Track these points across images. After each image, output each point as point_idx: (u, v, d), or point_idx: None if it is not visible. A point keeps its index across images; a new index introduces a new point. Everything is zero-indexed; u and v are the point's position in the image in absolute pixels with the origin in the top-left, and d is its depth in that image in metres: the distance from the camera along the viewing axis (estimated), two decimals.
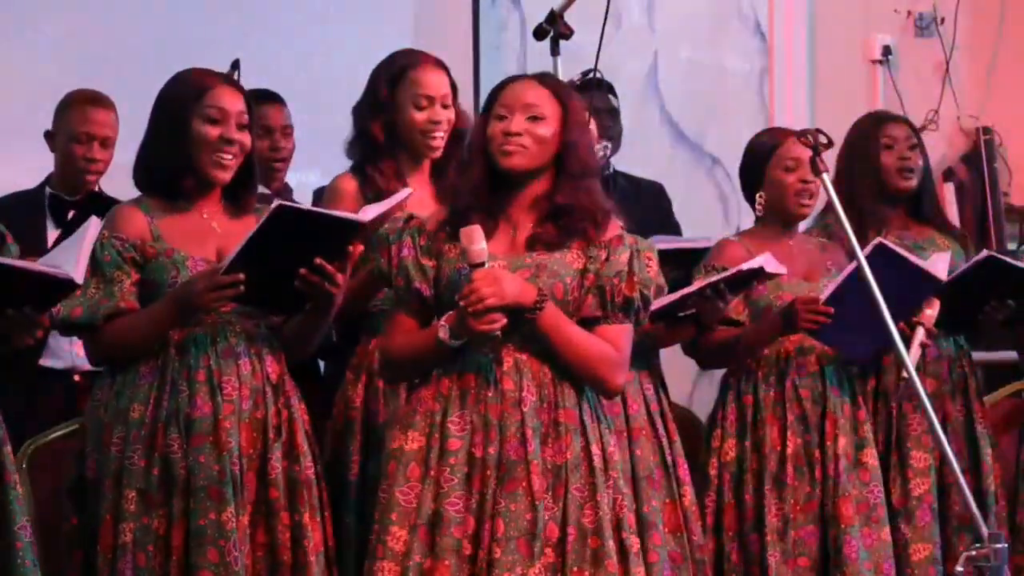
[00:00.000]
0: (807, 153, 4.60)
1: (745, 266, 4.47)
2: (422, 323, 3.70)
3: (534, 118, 3.67)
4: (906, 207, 5.11)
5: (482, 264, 3.57)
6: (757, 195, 4.78)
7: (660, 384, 4.59)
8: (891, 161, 5.05)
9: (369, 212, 3.94)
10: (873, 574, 4.65)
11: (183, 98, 3.97)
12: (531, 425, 3.62)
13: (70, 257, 3.60)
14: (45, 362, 4.92)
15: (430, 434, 3.61)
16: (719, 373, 6.02)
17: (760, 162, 4.77)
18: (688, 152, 7.03)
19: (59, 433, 4.50)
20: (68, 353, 4.91)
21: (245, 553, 3.88)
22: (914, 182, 5.07)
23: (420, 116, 4.41)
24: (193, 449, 3.87)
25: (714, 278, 4.44)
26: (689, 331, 4.58)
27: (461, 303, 3.56)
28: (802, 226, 4.93)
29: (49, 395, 4.83)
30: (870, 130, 5.10)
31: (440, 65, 4.51)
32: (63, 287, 3.61)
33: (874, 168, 5.04)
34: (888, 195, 5.06)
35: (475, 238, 3.58)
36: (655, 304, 4.38)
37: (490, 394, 3.61)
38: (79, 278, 3.59)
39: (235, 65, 4.33)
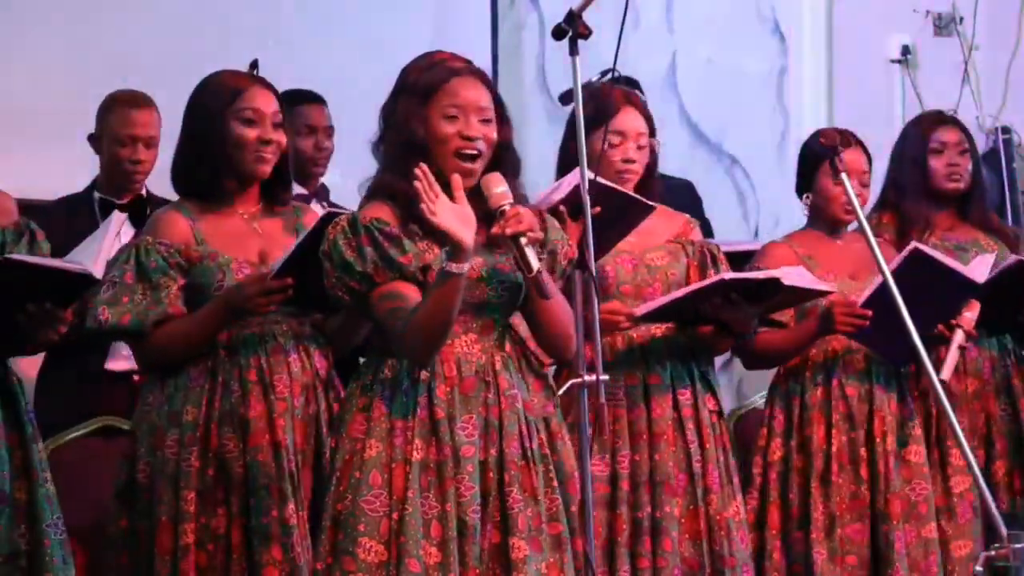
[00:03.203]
0: (857, 165, 4.62)
1: (753, 275, 4.45)
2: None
3: (486, 121, 3.61)
4: (955, 208, 5.13)
5: (504, 208, 3.49)
6: (804, 196, 4.80)
7: (711, 392, 4.52)
8: (940, 166, 5.08)
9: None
10: (911, 571, 4.66)
11: (217, 101, 4.00)
12: (524, 421, 3.62)
13: (91, 252, 3.61)
14: (110, 364, 4.94)
15: (439, 443, 3.55)
16: (736, 374, 6.04)
17: (812, 166, 4.78)
18: (707, 152, 7.04)
19: (78, 433, 4.52)
20: (129, 356, 4.92)
21: (306, 548, 3.90)
22: (962, 185, 5.10)
23: None
24: (251, 448, 3.91)
25: (705, 282, 4.40)
26: (727, 341, 4.56)
27: (504, 216, 3.45)
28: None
29: (111, 397, 4.84)
30: (921, 133, 5.13)
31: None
32: (82, 283, 3.63)
33: (922, 171, 5.07)
34: (936, 197, 5.07)
35: (495, 181, 3.52)
36: (655, 303, 4.39)
37: (490, 396, 3.59)
38: (98, 273, 3.61)
39: (254, 65, 4.34)
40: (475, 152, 3.57)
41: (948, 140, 5.10)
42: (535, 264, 3.49)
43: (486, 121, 3.60)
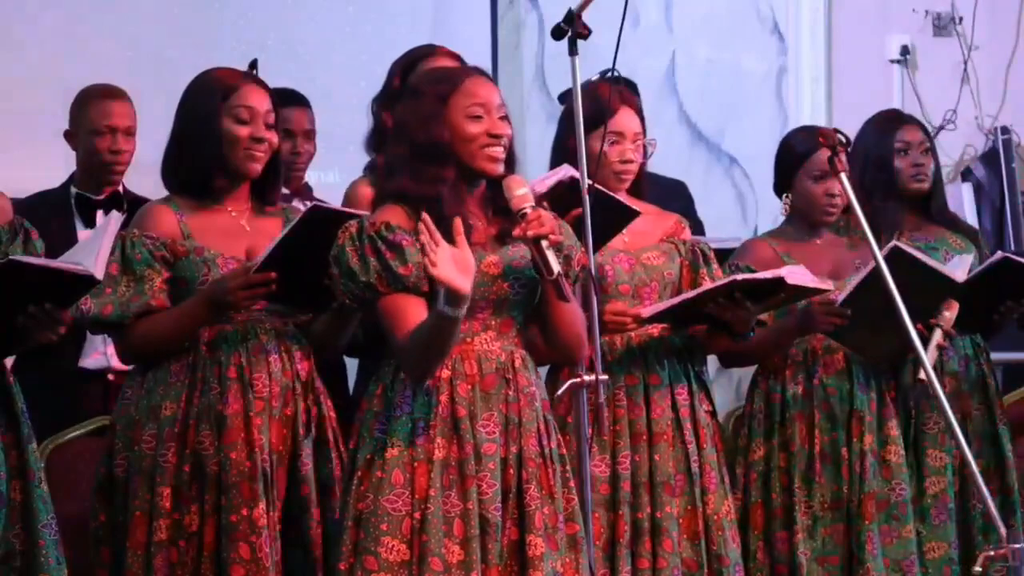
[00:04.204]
0: (844, 163, 4.61)
1: (762, 276, 4.45)
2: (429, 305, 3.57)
3: (503, 118, 3.64)
4: (918, 208, 5.11)
5: (526, 210, 3.53)
6: (784, 196, 4.80)
7: (705, 392, 4.54)
8: (905, 165, 5.06)
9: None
10: (893, 572, 4.66)
11: (211, 98, 3.99)
12: (542, 419, 3.66)
13: (90, 253, 3.61)
14: (83, 363, 4.94)
15: (460, 441, 3.56)
16: (736, 374, 6.03)
17: (790, 166, 4.77)
18: (706, 151, 7.04)
19: (77, 432, 4.52)
20: (104, 354, 4.92)
21: (276, 549, 3.91)
22: (927, 185, 5.07)
23: None
24: (225, 446, 3.90)
25: (717, 284, 4.41)
26: (722, 341, 4.56)
27: (526, 219, 3.51)
28: None
29: (86, 396, 4.84)
30: (884, 133, 5.09)
31: (456, 59, 4.51)
32: (84, 283, 3.63)
33: (888, 171, 5.05)
34: (900, 197, 5.06)
35: (516, 183, 3.57)
36: (663, 304, 4.40)
37: (510, 393, 3.62)
38: (99, 274, 3.60)
39: (253, 65, 4.34)
40: (503, 151, 3.60)
41: (912, 139, 5.07)
42: (556, 267, 3.53)
43: (504, 118, 3.63)
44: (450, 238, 3.49)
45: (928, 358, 4.53)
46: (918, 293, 4.38)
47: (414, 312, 3.52)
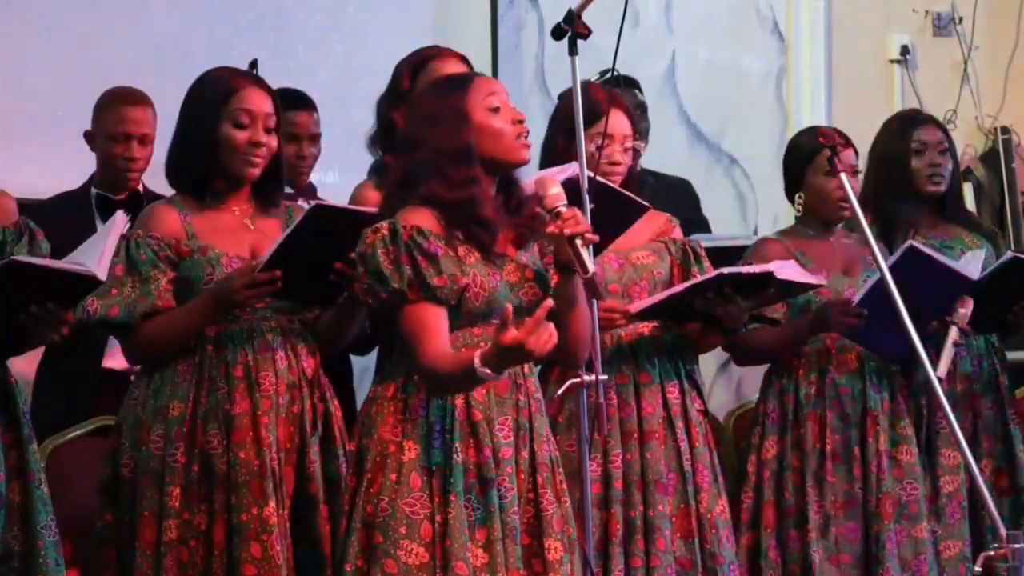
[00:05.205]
0: (848, 159, 4.63)
1: (748, 269, 4.45)
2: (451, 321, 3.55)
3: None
4: (934, 207, 5.11)
5: (560, 209, 3.52)
6: (796, 196, 4.80)
7: (696, 391, 4.54)
8: (921, 166, 5.06)
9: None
10: (903, 571, 4.66)
11: (211, 100, 3.99)
12: (546, 424, 3.68)
13: (94, 254, 3.61)
14: (107, 363, 4.93)
15: (479, 445, 3.54)
16: (736, 374, 6.03)
17: (800, 165, 4.78)
18: (706, 152, 7.04)
19: (78, 432, 4.52)
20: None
21: (286, 547, 3.91)
22: (943, 187, 5.07)
23: None
24: (233, 444, 3.91)
25: (703, 277, 4.41)
26: (715, 338, 4.57)
27: (561, 217, 3.48)
28: None
29: (108, 395, 4.83)
30: (901, 133, 5.09)
31: (463, 60, 4.52)
32: (86, 284, 3.63)
33: (903, 171, 5.05)
34: (916, 197, 5.06)
35: (550, 183, 3.55)
36: (652, 299, 4.39)
37: (521, 398, 3.60)
38: (102, 274, 3.61)
39: (253, 65, 4.34)
40: (527, 131, 3.59)
41: (929, 140, 5.07)
42: (591, 266, 3.50)
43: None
44: (481, 243, 3.51)
45: (945, 355, 4.55)
46: (933, 291, 4.39)
47: (441, 326, 3.49)
